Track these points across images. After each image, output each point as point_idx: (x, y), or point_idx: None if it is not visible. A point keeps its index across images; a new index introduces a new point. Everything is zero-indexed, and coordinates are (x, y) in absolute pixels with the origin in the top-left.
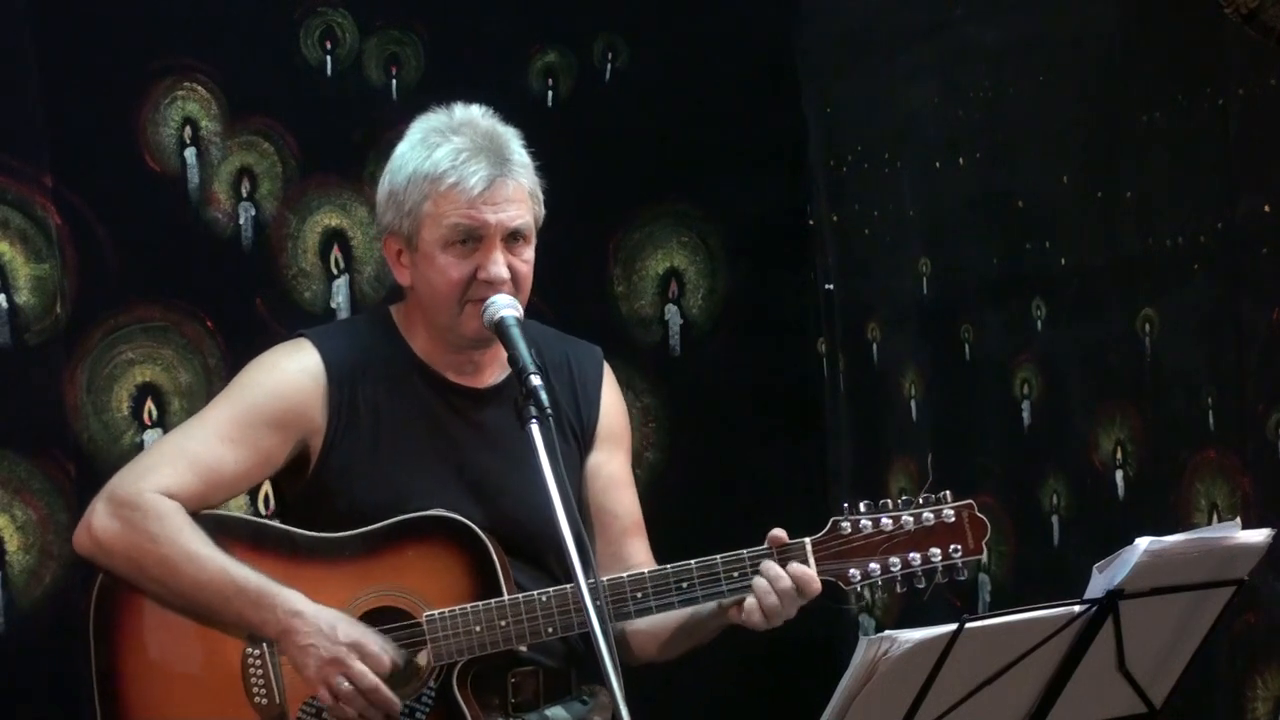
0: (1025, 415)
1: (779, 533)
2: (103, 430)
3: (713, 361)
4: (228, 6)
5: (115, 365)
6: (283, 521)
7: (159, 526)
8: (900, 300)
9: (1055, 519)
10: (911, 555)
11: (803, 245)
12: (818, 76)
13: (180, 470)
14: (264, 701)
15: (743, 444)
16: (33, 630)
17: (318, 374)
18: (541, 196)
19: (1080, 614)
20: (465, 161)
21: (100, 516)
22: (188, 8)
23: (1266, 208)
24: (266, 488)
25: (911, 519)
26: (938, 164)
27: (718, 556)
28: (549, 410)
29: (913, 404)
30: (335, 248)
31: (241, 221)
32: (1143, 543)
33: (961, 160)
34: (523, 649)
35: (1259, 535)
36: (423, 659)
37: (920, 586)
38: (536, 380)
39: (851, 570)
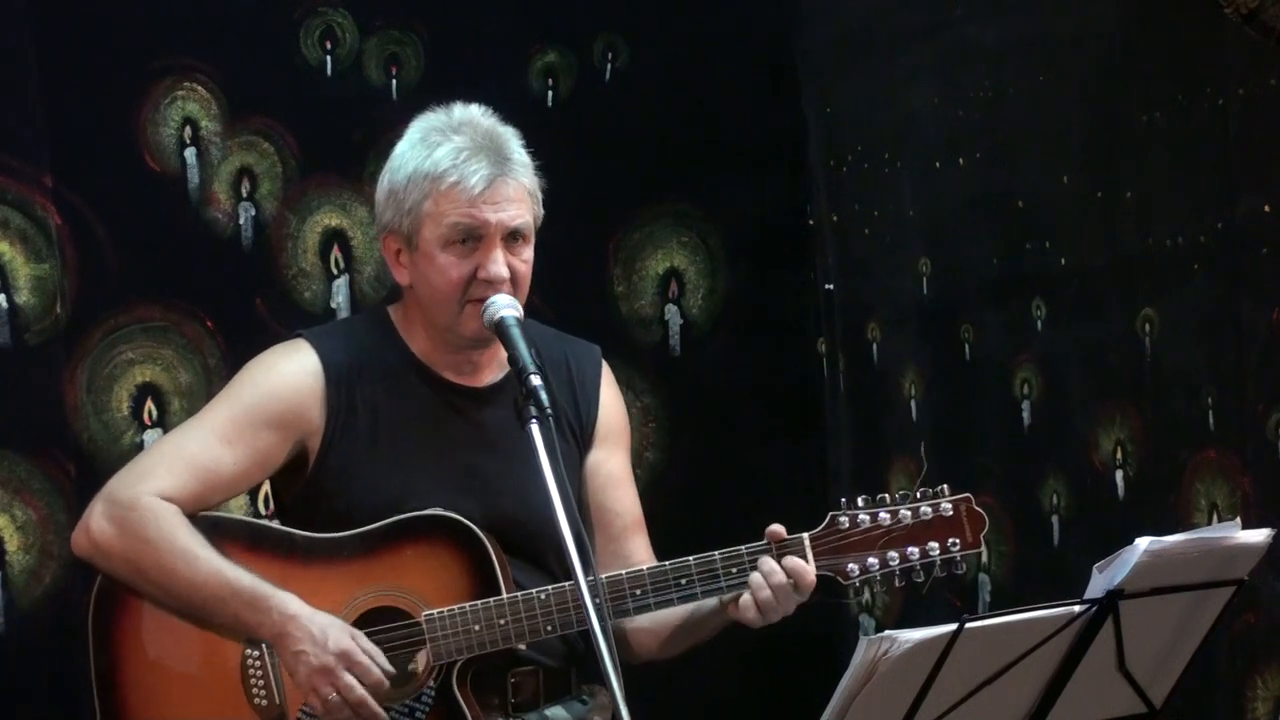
0: (1025, 415)
1: (777, 528)
2: (103, 430)
3: (713, 361)
4: (228, 6)
5: (115, 365)
6: (281, 522)
7: (156, 529)
8: (900, 300)
9: (1055, 519)
10: (910, 550)
11: (803, 245)
12: (818, 76)
13: (178, 472)
14: (263, 703)
15: (743, 444)
16: (33, 630)
17: (315, 374)
18: (540, 196)
19: (1080, 614)
20: (466, 160)
21: (98, 519)
22: (188, 8)
23: (1266, 208)
24: (266, 487)
25: (909, 513)
26: (938, 164)
27: (716, 553)
28: (549, 410)
29: (913, 404)
30: (335, 248)
31: (241, 221)
32: (1143, 543)
33: (961, 160)
34: (522, 648)
35: (1259, 535)
36: (422, 659)
37: (919, 581)
38: (536, 380)
39: (850, 565)
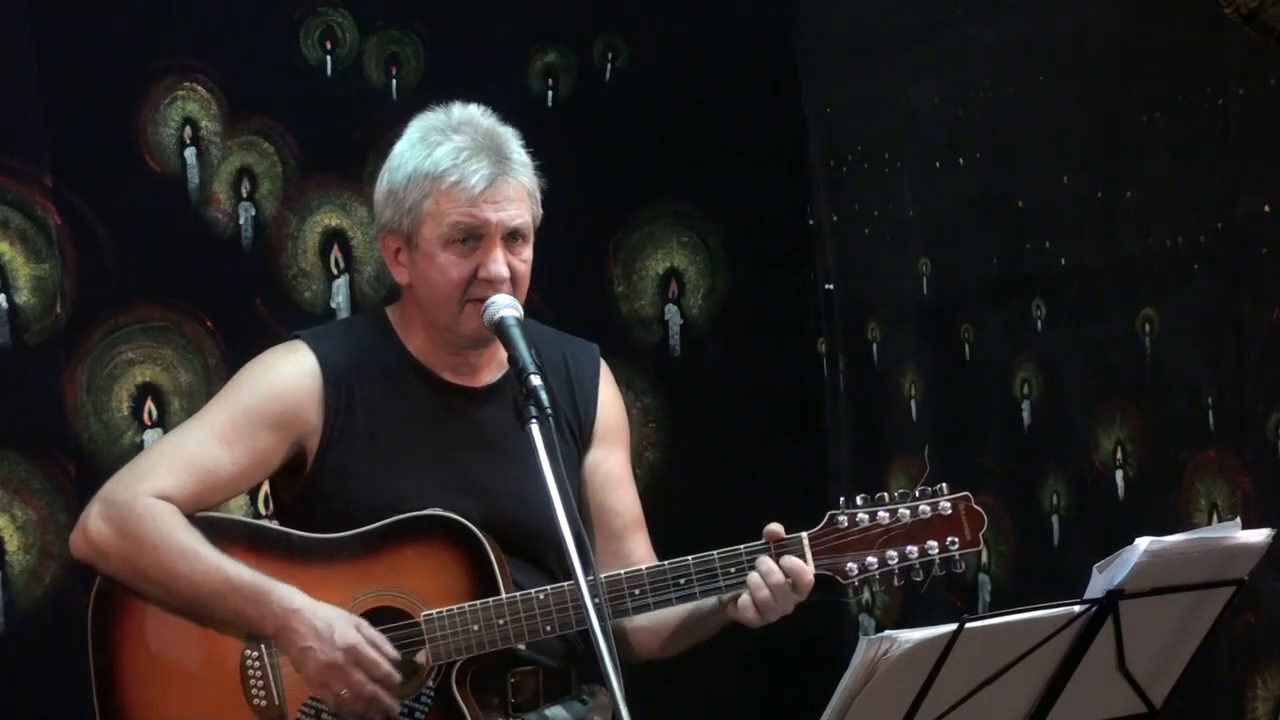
0: (1025, 415)
1: (775, 528)
2: (103, 430)
3: (713, 361)
4: (228, 6)
5: (115, 365)
6: (281, 523)
7: (154, 528)
8: (900, 300)
9: (1055, 519)
10: (908, 548)
11: (803, 245)
12: (818, 76)
13: (176, 472)
14: (263, 703)
15: (743, 444)
16: (33, 630)
17: (313, 375)
18: (540, 196)
19: (1080, 614)
20: (466, 160)
21: (95, 520)
22: (188, 8)
23: (1266, 208)
24: (266, 488)
25: (908, 512)
26: (938, 164)
27: (715, 552)
28: (549, 410)
29: (913, 404)
30: (335, 248)
31: (241, 221)
32: (1143, 543)
33: (961, 160)
34: (521, 648)
35: (1259, 535)
36: (421, 658)
37: (918, 580)
38: (537, 380)
39: (849, 564)
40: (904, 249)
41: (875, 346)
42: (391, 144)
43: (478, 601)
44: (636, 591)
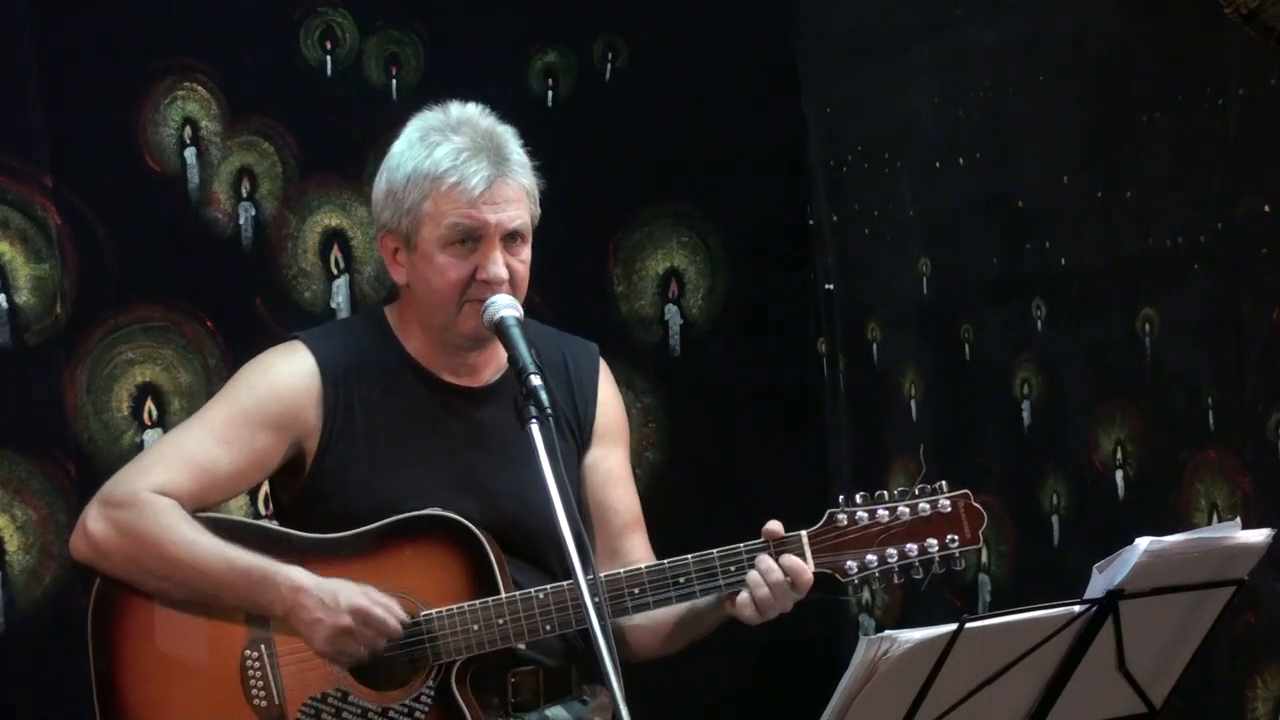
0: (1025, 415)
1: (775, 527)
2: (103, 430)
3: (713, 361)
4: (228, 6)
5: (115, 365)
6: (280, 524)
7: (154, 521)
8: (900, 300)
9: (1055, 519)
10: (908, 546)
11: (803, 245)
12: (818, 76)
13: (175, 471)
14: (263, 703)
15: (743, 444)
16: (33, 630)
17: (312, 376)
18: (538, 195)
19: (1080, 614)
20: (466, 161)
21: (94, 520)
22: (188, 8)
23: (1266, 208)
24: (266, 488)
25: (907, 510)
26: (938, 164)
27: (714, 551)
28: (549, 410)
29: (913, 404)
30: (335, 248)
31: (241, 221)
32: (1143, 543)
33: (961, 160)
34: (521, 647)
35: (1259, 535)
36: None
37: (918, 578)
38: (537, 380)
39: (848, 562)
40: (904, 249)
41: (875, 346)
42: (391, 144)
43: (477, 601)
44: (636, 591)
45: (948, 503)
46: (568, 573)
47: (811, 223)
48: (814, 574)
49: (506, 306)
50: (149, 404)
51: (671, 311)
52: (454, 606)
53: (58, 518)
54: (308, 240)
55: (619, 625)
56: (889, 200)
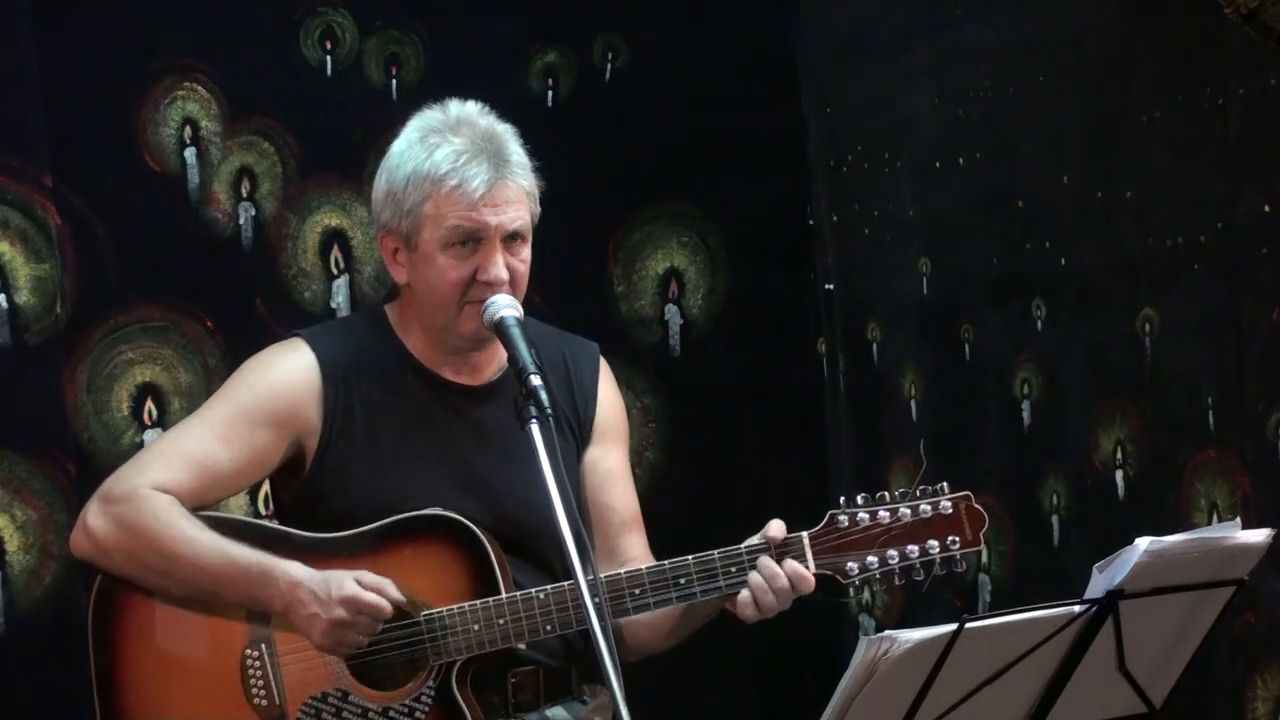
0: (1025, 415)
1: (776, 530)
2: (103, 430)
3: (713, 361)
4: (228, 6)
5: (115, 365)
6: (281, 523)
7: (154, 518)
8: (900, 300)
9: (1055, 519)
10: (909, 548)
11: (803, 245)
12: (818, 76)
13: (175, 467)
14: (263, 702)
15: (743, 444)
16: (33, 630)
17: (312, 373)
18: (538, 194)
19: (1080, 614)
20: (466, 164)
21: (95, 516)
22: (188, 8)
23: (1266, 208)
24: (266, 488)
25: (908, 511)
26: (938, 164)
27: (715, 552)
28: (549, 410)
29: (913, 404)
30: (335, 248)
31: (241, 221)
32: (1143, 543)
33: (961, 160)
34: (521, 647)
35: (1259, 535)
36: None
37: (919, 579)
38: (537, 380)
39: (849, 564)
40: (904, 249)
41: (875, 346)
42: (391, 144)
43: (478, 601)
44: (637, 591)
45: (949, 504)
46: (569, 572)
47: (811, 223)
48: (815, 575)
49: (506, 307)
50: (149, 404)
51: (671, 311)
52: (455, 606)
53: (58, 518)
54: (308, 240)
55: (616, 623)
56: (889, 200)
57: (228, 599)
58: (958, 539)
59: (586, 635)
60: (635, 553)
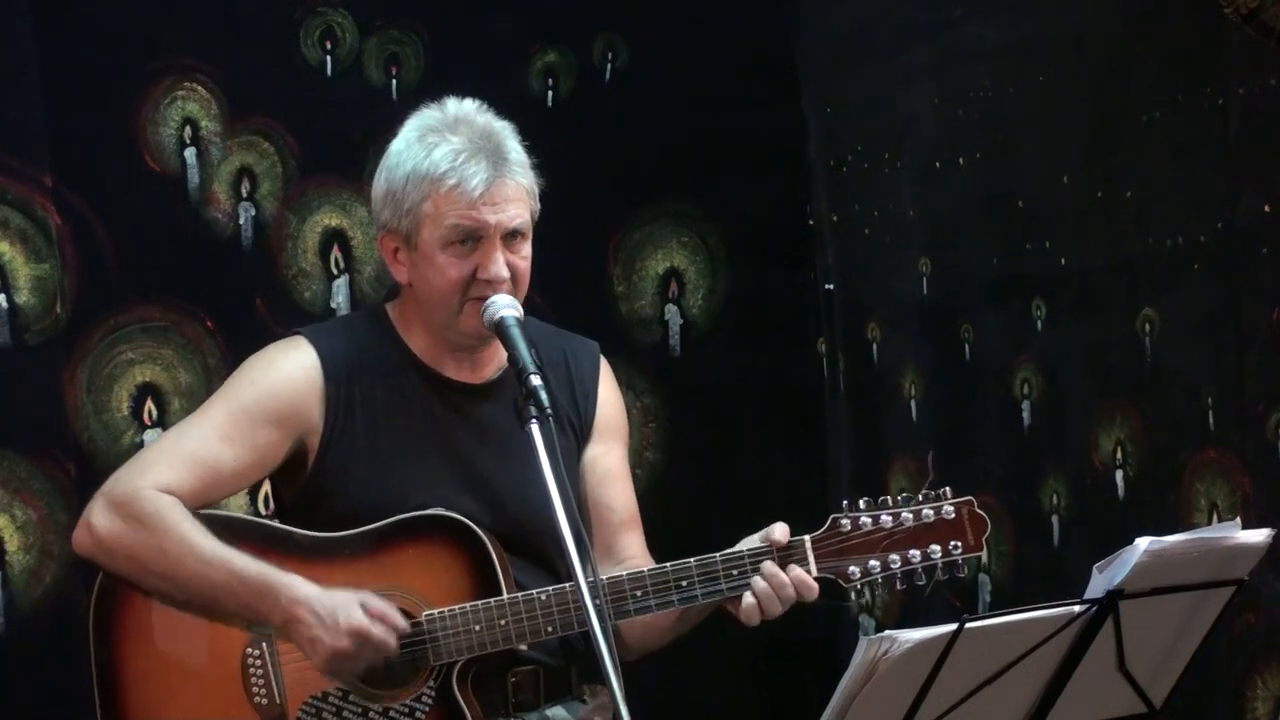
0: (1025, 415)
1: (780, 534)
2: (103, 430)
3: (713, 361)
4: (228, 6)
5: (115, 365)
6: (282, 522)
7: (158, 521)
8: (900, 300)
9: (1055, 519)
10: (911, 552)
11: (803, 245)
12: (818, 76)
13: (177, 467)
14: (264, 702)
15: (743, 444)
16: (33, 630)
17: (314, 372)
18: (538, 191)
19: (1080, 614)
20: (465, 162)
21: (98, 515)
22: (188, 8)
23: (1266, 208)
24: (267, 487)
25: (911, 516)
26: (938, 164)
27: (717, 555)
28: (549, 410)
29: (913, 404)
30: (335, 248)
31: (241, 221)
32: (1143, 543)
33: (961, 160)
34: (522, 648)
35: (1259, 535)
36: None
37: (921, 584)
38: (537, 380)
39: (851, 568)
40: (904, 249)
41: (875, 346)
42: (391, 144)
43: (479, 602)
44: (638, 593)
45: (952, 509)
46: (570, 573)
47: (811, 223)
48: (817, 579)
49: (506, 306)
50: (149, 404)
51: (671, 311)
52: (456, 607)
53: (58, 518)
54: (308, 240)
55: (615, 623)
56: (889, 200)
57: (227, 609)
58: (960, 544)
59: (587, 635)
60: (632, 551)
